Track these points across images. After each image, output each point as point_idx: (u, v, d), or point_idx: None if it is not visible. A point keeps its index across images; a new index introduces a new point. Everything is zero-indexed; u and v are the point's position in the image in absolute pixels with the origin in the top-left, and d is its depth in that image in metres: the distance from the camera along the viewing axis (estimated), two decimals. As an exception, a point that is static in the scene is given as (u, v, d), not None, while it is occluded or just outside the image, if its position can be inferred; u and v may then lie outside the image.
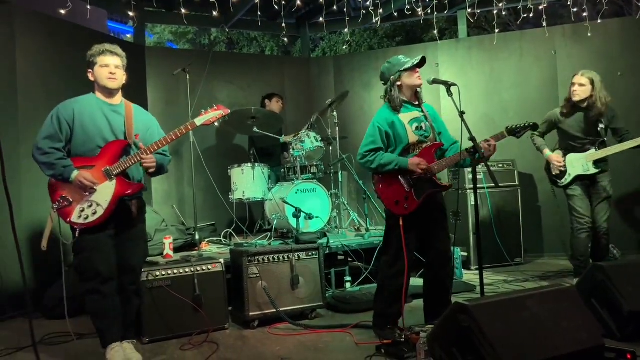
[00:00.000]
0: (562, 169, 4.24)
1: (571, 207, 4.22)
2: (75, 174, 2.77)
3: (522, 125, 3.01)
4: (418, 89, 3.16)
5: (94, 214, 2.80)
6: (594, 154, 4.13)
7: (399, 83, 3.10)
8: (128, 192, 2.90)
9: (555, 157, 4.29)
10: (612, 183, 4.22)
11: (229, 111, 3.12)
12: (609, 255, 4.80)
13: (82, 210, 2.80)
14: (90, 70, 2.94)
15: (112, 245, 2.91)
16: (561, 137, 4.35)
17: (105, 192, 2.83)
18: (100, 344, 2.89)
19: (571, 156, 4.23)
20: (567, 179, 4.23)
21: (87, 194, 2.81)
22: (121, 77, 2.97)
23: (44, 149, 2.80)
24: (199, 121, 3.03)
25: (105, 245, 2.86)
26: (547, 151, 4.36)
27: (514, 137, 3.05)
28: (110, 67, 2.91)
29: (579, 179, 4.19)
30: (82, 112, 2.88)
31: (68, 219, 2.80)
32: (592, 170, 4.13)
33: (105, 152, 2.87)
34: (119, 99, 3.02)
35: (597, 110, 4.07)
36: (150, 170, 2.96)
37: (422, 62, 3.09)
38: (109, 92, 2.96)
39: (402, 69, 3.07)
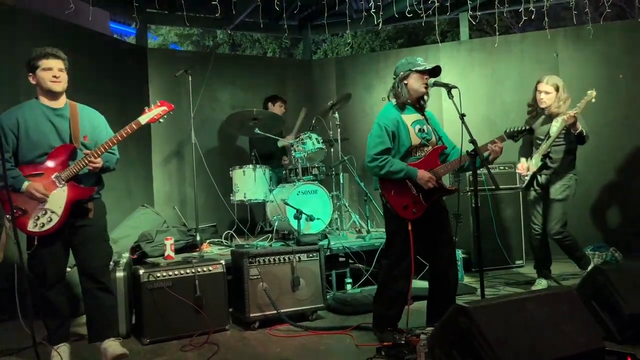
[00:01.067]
0: (523, 173, 4.21)
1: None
2: (26, 184, 2.76)
3: (519, 129, 3.00)
4: (424, 97, 3.13)
5: (50, 221, 2.80)
6: (540, 151, 4.07)
7: (405, 81, 3.07)
8: (80, 196, 2.88)
9: (519, 165, 4.27)
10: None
11: (174, 107, 3.06)
12: (594, 257, 4.73)
13: (37, 219, 2.79)
14: (31, 74, 2.88)
15: (64, 251, 2.94)
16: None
17: (58, 199, 2.82)
18: (49, 342, 2.93)
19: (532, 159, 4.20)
20: (524, 179, 4.22)
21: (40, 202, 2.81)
22: (65, 80, 2.93)
23: None
24: (143, 119, 2.98)
25: (54, 252, 2.87)
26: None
27: (512, 140, 3.06)
28: (53, 70, 2.86)
29: (533, 180, 4.17)
30: (26, 119, 2.84)
31: (25, 229, 2.79)
32: (538, 165, 4.06)
33: (53, 158, 2.85)
34: (63, 101, 2.97)
35: (555, 112, 4.04)
36: (94, 171, 2.93)
37: (435, 71, 3.05)
38: (53, 96, 2.92)
39: (414, 68, 3.04)
